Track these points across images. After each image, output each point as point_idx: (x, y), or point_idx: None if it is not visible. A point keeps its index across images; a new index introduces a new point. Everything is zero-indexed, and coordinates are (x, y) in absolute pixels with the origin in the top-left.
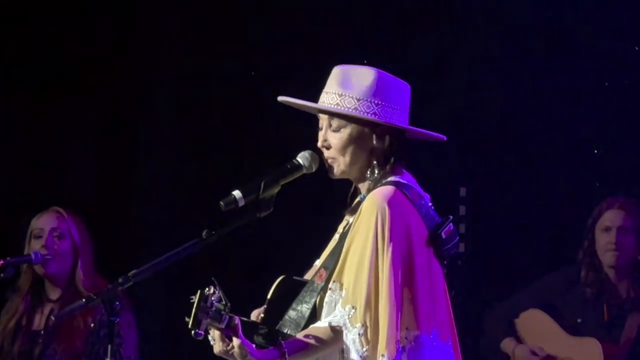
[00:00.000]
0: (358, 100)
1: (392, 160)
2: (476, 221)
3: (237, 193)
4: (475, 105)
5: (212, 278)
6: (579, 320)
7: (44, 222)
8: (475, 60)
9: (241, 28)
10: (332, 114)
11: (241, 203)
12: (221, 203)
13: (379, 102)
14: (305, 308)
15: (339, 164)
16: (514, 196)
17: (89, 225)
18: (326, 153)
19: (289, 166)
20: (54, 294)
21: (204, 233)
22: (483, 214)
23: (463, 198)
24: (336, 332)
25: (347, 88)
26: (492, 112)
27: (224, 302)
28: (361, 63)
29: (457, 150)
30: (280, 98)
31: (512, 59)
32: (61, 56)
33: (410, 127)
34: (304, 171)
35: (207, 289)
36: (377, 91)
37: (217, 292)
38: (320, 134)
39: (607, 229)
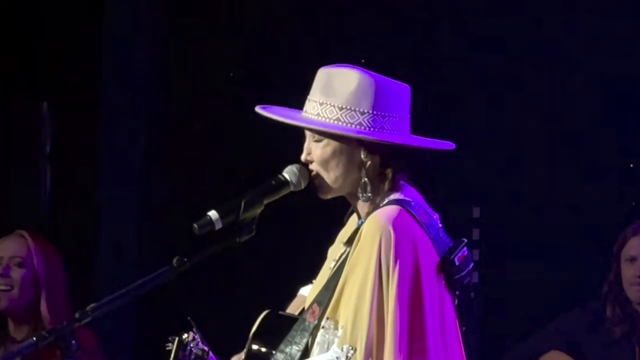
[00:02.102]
0: (340, 109)
1: (389, 175)
2: (492, 246)
3: (213, 214)
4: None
5: (188, 318)
6: None
7: (3, 249)
8: (494, 74)
9: (215, 33)
10: (310, 129)
11: (218, 225)
12: (195, 226)
13: (366, 110)
14: (295, 350)
15: (325, 180)
16: (535, 217)
17: None
18: (310, 167)
19: (273, 182)
20: (19, 333)
21: (175, 260)
22: (500, 238)
23: (477, 219)
24: None
25: (328, 95)
26: (510, 124)
27: (201, 348)
28: (358, 62)
29: (470, 163)
30: (257, 109)
31: (532, 72)
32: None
33: (404, 140)
34: (292, 188)
35: (185, 334)
36: (364, 97)
37: (195, 336)
38: (305, 146)
39: (631, 259)
